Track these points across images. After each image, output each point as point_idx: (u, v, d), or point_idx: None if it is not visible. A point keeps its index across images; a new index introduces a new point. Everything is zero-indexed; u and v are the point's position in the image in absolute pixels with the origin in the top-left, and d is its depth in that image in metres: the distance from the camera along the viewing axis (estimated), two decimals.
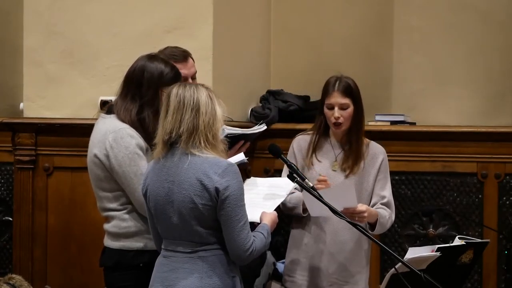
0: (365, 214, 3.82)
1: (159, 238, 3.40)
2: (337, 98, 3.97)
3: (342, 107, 3.97)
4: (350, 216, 3.78)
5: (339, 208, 3.72)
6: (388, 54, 5.77)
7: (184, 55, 4.02)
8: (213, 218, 3.23)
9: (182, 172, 3.23)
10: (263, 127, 3.94)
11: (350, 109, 3.98)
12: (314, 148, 4.04)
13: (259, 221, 3.44)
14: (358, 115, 4.00)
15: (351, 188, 3.80)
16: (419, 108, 5.65)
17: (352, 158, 3.98)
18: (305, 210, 3.93)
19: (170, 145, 3.26)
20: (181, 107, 3.23)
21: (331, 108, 3.98)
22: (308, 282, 3.99)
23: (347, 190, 3.78)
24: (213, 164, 3.21)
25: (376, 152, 4.05)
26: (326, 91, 4.01)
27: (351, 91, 3.98)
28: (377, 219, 3.91)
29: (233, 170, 3.23)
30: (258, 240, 3.28)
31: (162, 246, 3.37)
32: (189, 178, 3.22)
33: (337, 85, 3.99)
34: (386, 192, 4.03)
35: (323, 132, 4.06)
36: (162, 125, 3.28)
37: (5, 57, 5.95)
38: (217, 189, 3.19)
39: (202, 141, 3.22)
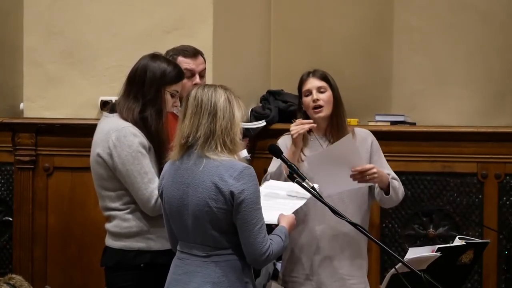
0: (375, 170, 3.77)
1: (174, 239, 3.38)
2: (313, 82, 3.95)
3: (320, 90, 3.94)
4: (360, 177, 3.76)
5: (347, 167, 3.72)
6: (388, 54, 5.77)
7: (194, 52, 4.05)
8: (229, 222, 3.21)
9: (197, 175, 3.21)
10: (262, 123, 3.92)
11: (328, 93, 3.94)
12: None
13: (276, 223, 3.42)
14: (337, 102, 3.96)
15: (351, 141, 3.77)
16: (419, 108, 5.65)
17: None
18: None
19: (187, 148, 3.24)
20: (198, 111, 3.21)
21: (309, 94, 3.95)
22: (311, 281, 3.98)
23: (349, 144, 3.75)
24: (228, 167, 3.18)
25: (363, 135, 4.01)
26: (301, 81, 4.01)
27: (327, 77, 3.98)
28: (389, 182, 3.87)
29: (249, 173, 3.19)
30: (275, 243, 3.25)
31: (178, 248, 3.35)
32: (204, 181, 3.19)
33: (311, 73, 3.99)
34: (387, 169, 3.97)
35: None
36: (179, 128, 3.25)
37: (5, 57, 5.95)
38: (232, 193, 3.16)
39: (219, 146, 3.19)
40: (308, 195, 3.62)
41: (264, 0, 5.75)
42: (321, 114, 3.94)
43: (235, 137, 3.23)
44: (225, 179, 3.17)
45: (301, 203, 3.64)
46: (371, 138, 4.02)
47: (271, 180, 3.86)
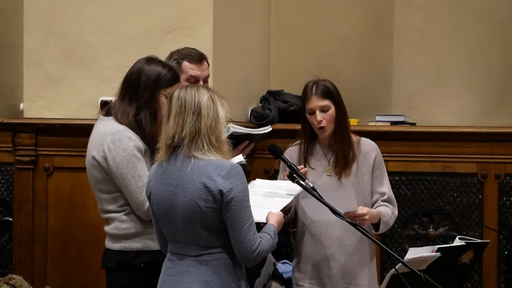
0: (366, 217, 3.80)
1: (164, 241, 3.39)
2: (316, 102, 3.92)
3: (323, 110, 3.92)
4: (351, 219, 3.77)
5: (341, 209, 3.73)
6: (388, 54, 5.76)
7: (199, 57, 4.02)
8: (219, 221, 3.22)
9: (186, 176, 3.22)
10: (268, 128, 3.93)
11: (332, 110, 3.93)
12: (305, 156, 4.01)
13: (265, 222, 3.43)
14: (340, 116, 3.95)
15: (350, 194, 3.79)
16: (419, 108, 5.65)
17: (343, 160, 3.95)
18: (287, 211, 3.91)
19: (173, 148, 3.25)
20: (182, 111, 3.22)
21: (312, 112, 3.93)
22: None
23: (346, 196, 3.78)
24: (216, 167, 3.19)
25: (368, 150, 4.01)
26: (305, 96, 3.96)
27: (330, 92, 3.94)
28: (380, 219, 3.90)
29: (237, 171, 3.21)
30: (264, 241, 3.26)
31: (168, 249, 3.36)
32: (193, 181, 3.20)
33: (314, 88, 3.94)
34: (385, 188, 4.00)
35: (310, 138, 4.01)
36: (165, 129, 3.27)
37: (5, 57, 5.95)
38: (221, 192, 3.17)
39: (205, 144, 3.20)
40: (295, 192, 3.64)
41: (264, 0, 5.75)
42: (325, 134, 3.95)
43: (220, 135, 3.24)
44: (214, 178, 3.18)
45: (288, 200, 3.64)
46: (375, 153, 4.01)
47: (257, 179, 3.84)
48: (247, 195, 3.24)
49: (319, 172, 3.96)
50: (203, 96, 3.24)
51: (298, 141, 4.04)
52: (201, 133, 3.20)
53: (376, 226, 3.93)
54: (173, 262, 3.31)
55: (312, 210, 3.79)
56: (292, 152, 4.02)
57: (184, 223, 3.24)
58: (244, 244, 3.20)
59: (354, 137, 4.01)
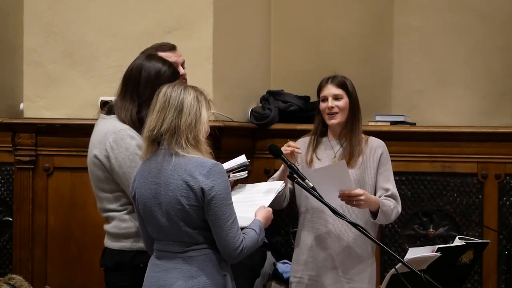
0: (362, 197, 3.82)
1: (149, 240, 3.41)
2: (330, 90, 4.02)
3: (336, 97, 4.00)
4: (347, 200, 3.79)
5: (335, 190, 3.76)
6: (388, 54, 5.76)
7: (171, 46, 4.05)
8: (201, 218, 3.24)
9: (168, 173, 3.24)
10: (244, 175, 3.88)
11: (345, 100, 4.00)
12: (314, 147, 4.05)
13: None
14: (353, 110, 4.02)
15: (344, 167, 3.79)
16: (419, 108, 5.65)
17: (349, 152, 3.98)
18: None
19: (154, 144, 3.28)
20: (165, 106, 3.25)
21: (325, 100, 4.01)
22: (314, 281, 3.99)
23: (340, 169, 3.78)
24: (198, 165, 3.22)
25: (375, 145, 4.07)
26: (320, 86, 4.07)
27: (345, 85, 4.03)
28: (379, 206, 3.90)
29: (218, 170, 3.23)
30: (248, 237, 3.28)
31: (154, 247, 3.38)
32: (175, 179, 3.23)
33: (330, 79, 4.05)
34: (390, 184, 4.04)
35: (321, 132, 4.09)
36: (146, 122, 3.30)
37: (5, 57, 5.95)
38: (202, 190, 3.20)
39: (183, 142, 3.23)
40: (279, 186, 3.65)
41: (264, 0, 5.75)
42: (333, 121, 4.01)
43: (199, 135, 3.26)
44: (195, 176, 3.20)
45: (272, 196, 3.62)
46: (382, 149, 4.07)
47: (239, 184, 3.82)
48: (229, 193, 3.26)
49: (325, 163, 4.01)
50: (188, 95, 3.27)
51: (310, 134, 4.10)
52: (180, 130, 3.23)
53: (374, 214, 3.94)
54: (159, 259, 3.34)
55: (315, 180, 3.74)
56: (301, 142, 4.10)
57: (168, 221, 3.26)
58: (227, 241, 3.22)
59: (363, 136, 4.06)
